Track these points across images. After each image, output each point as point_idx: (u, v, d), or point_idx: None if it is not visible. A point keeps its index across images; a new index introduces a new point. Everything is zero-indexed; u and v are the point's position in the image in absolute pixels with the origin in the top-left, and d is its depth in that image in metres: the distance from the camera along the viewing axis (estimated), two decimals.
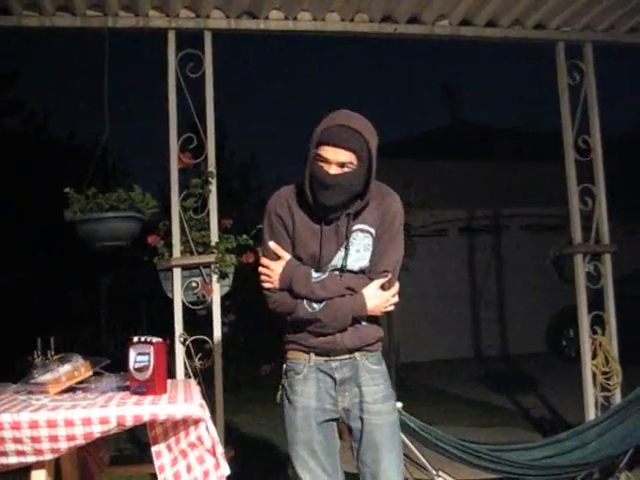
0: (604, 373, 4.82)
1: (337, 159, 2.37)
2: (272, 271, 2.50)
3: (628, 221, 10.67)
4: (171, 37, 4.40)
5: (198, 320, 4.40)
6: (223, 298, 4.36)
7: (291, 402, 2.55)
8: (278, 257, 2.51)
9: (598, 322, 4.90)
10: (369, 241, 2.50)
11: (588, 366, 4.82)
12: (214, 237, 4.33)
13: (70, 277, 12.71)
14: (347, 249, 2.47)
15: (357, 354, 2.53)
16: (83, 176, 4.20)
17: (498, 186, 12.79)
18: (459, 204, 13.18)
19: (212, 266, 4.26)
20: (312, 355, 2.52)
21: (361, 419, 2.53)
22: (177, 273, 4.25)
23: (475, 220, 13.95)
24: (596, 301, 4.99)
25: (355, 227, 2.48)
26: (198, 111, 4.40)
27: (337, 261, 2.49)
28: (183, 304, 4.25)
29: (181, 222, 4.30)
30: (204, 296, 4.26)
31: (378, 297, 2.48)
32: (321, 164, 2.39)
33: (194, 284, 4.26)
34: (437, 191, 12.21)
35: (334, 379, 2.52)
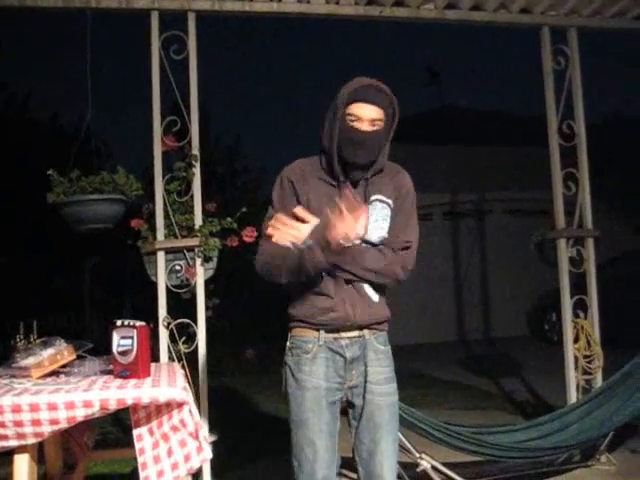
0: (586, 356, 4.87)
1: (370, 116, 2.42)
2: (299, 231, 2.33)
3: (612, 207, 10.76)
4: (154, 18, 4.34)
5: (182, 304, 4.39)
6: (207, 282, 4.34)
7: (298, 382, 2.52)
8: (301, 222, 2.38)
9: (580, 306, 4.94)
10: (387, 212, 2.52)
11: (570, 349, 4.86)
12: (198, 220, 4.31)
13: (53, 260, 12.64)
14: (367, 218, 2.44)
15: (366, 332, 2.53)
16: (66, 158, 4.16)
17: (482, 170, 12.82)
18: (443, 188, 13.20)
19: (196, 249, 4.25)
20: (322, 332, 2.51)
21: (364, 398, 2.54)
22: (161, 256, 4.24)
23: (459, 204, 13.99)
24: (578, 285, 5.03)
25: (373, 197, 2.51)
26: (182, 94, 4.37)
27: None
28: (167, 288, 4.24)
29: (165, 205, 4.27)
30: (188, 280, 4.25)
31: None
32: (353, 122, 2.44)
33: (178, 267, 4.25)
34: (421, 175, 12.22)
35: (344, 357, 2.52)
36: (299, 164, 2.59)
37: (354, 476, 2.68)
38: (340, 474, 2.70)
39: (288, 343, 2.59)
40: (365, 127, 2.43)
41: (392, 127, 2.48)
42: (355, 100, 2.43)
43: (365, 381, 2.54)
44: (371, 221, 2.46)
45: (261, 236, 2.55)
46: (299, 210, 2.42)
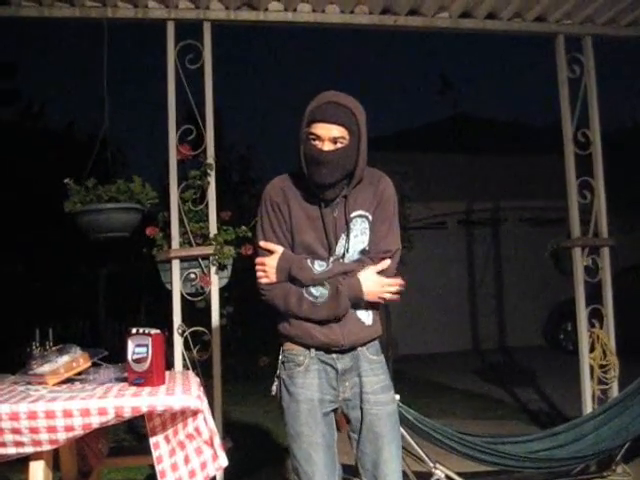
0: (602, 366, 4.83)
1: (330, 135, 2.40)
2: (267, 266, 2.48)
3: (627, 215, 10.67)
4: (170, 28, 4.38)
5: (197, 312, 4.40)
6: (222, 290, 4.36)
7: (292, 395, 2.52)
8: (271, 252, 2.50)
9: (596, 315, 4.90)
10: (366, 225, 2.51)
11: (586, 359, 4.82)
12: (213, 229, 4.33)
13: (69, 268, 12.71)
14: (348, 236, 2.48)
15: (358, 347, 2.52)
16: (82, 167, 4.19)
17: (497, 179, 12.80)
18: (458, 197, 13.18)
19: (211, 258, 4.26)
20: (312, 349, 2.51)
21: (361, 409, 2.52)
22: (176, 265, 4.25)
23: (474, 213, 13.96)
24: (594, 294, 5.00)
25: (354, 214, 2.50)
26: (197, 102, 4.39)
27: (339, 249, 2.49)
28: (182, 296, 4.26)
29: (180, 214, 4.30)
30: (202, 288, 4.26)
31: (374, 281, 2.47)
32: (314, 142, 2.43)
33: (192, 276, 4.26)
34: (436, 184, 12.22)
35: (336, 369, 2.51)
36: (279, 183, 2.57)
37: None
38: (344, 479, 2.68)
39: (281, 357, 2.58)
40: (327, 147, 2.41)
41: (360, 140, 2.44)
42: (315, 120, 2.42)
43: (361, 392, 2.52)
44: (351, 237, 2.49)
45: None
46: (264, 244, 2.49)
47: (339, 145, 2.41)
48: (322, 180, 2.43)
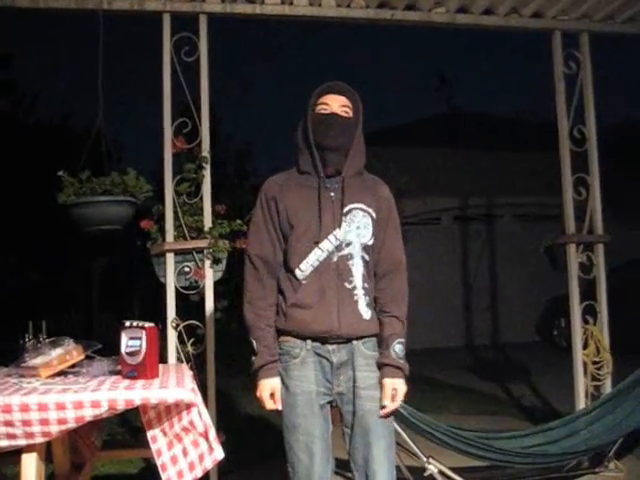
0: (595, 363, 4.84)
1: (338, 102, 2.59)
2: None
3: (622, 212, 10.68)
4: (166, 20, 4.36)
5: (191, 305, 4.39)
6: (216, 283, 4.35)
7: (288, 387, 2.55)
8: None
9: (590, 312, 4.91)
10: (368, 220, 2.57)
11: (579, 355, 4.84)
12: (207, 222, 4.32)
13: (63, 261, 12.68)
14: (349, 225, 2.53)
15: (354, 340, 2.55)
16: (77, 159, 4.17)
17: (492, 175, 12.79)
18: (453, 192, 13.18)
19: (205, 251, 4.26)
20: (308, 341, 2.53)
21: (353, 404, 2.54)
22: (170, 258, 4.24)
23: (469, 208, 13.96)
24: (588, 291, 5.00)
25: (354, 205, 2.56)
26: (193, 95, 4.38)
27: (340, 234, 2.52)
28: (176, 289, 4.25)
29: (174, 207, 4.29)
30: (197, 281, 4.25)
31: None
32: (324, 109, 2.59)
33: (187, 269, 4.25)
34: (431, 179, 12.21)
35: (331, 362, 2.53)
36: (275, 179, 2.69)
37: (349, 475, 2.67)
38: (336, 473, 2.69)
39: (278, 350, 2.60)
40: (335, 109, 2.57)
41: (359, 120, 2.61)
42: (323, 93, 2.61)
43: (354, 386, 2.54)
44: (352, 228, 2.54)
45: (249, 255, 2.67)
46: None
47: (345, 112, 2.59)
48: (329, 142, 2.55)
